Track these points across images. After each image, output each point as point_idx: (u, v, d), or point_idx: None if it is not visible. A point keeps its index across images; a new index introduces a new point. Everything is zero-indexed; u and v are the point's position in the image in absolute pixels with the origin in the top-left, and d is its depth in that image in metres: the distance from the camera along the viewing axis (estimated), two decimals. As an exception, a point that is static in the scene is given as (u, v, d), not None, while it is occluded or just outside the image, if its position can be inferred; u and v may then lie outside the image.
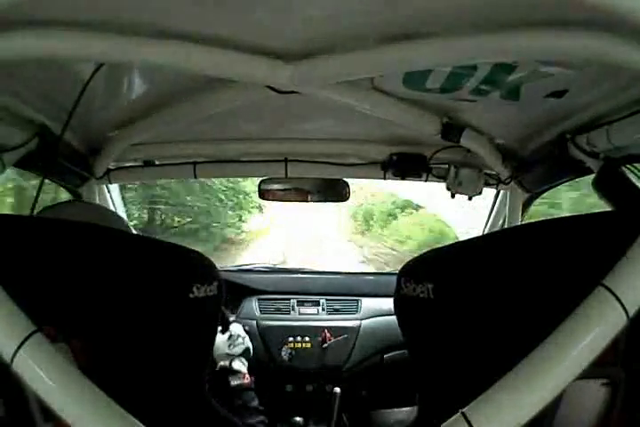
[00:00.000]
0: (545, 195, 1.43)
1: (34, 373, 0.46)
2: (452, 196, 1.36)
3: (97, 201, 1.38)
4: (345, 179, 1.54)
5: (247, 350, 1.23)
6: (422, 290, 0.61)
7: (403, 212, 7.82)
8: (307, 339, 1.51)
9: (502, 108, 1.03)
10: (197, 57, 0.69)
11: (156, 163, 1.45)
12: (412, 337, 0.70)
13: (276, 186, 1.56)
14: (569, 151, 0.96)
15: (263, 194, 1.58)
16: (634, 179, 0.86)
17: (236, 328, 1.26)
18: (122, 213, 1.64)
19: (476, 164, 1.31)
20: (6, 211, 2.72)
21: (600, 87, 0.83)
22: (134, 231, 1.76)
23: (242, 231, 7.55)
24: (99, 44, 0.64)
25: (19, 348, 0.46)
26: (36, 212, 0.83)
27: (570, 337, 0.47)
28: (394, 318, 0.72)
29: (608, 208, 0.86)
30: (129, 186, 4.55)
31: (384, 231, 7.92)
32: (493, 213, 1.55)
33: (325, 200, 1.61)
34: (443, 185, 1.37)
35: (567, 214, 0.63)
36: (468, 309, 0.59)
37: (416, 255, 0.70)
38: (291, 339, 1.51)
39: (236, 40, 0.69)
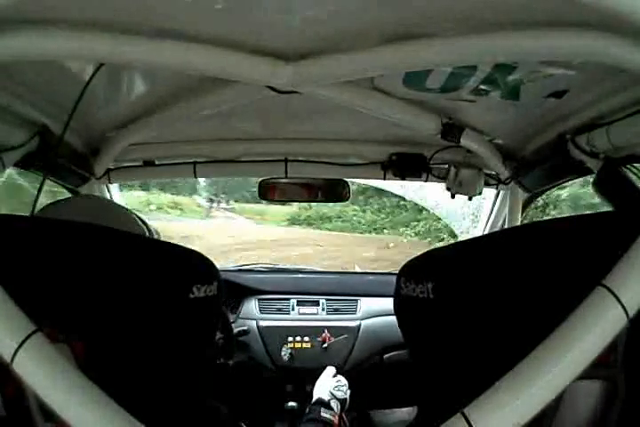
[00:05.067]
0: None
1: (34, 373, 0.46)
2: (453, 196, 1.36)
3: None
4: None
5: (345, 400, 1.23)
6: (422, 290, 0.61)
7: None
8: (306, 339, 1.51)
9: (502, 108, 1.03)
10: (197, 57, 0.69)
11: (156, 163, 1.45)
12: (411, 337, 0.70)
13: (276, 186, 1.56)
14: (569, 151, 0.96)
15: (263, 194, 1.58)
16: (634, 179, 0.86)
17: (342, 379, 1.27)
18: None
19: (476, 164, 1.31)
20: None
21: (600, 87, 0.83)
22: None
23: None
24: (99, 44, 0.64)
25: (19, 348, 0.46)
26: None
27: (570, 337, 0.47)
28: (394, 318, 0.71)
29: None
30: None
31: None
32: (493, 213, 1.55)
33: (326, 200, 1.62)
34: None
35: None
36: (468, 309, 0.59)
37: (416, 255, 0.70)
38: (290, 339, 1.51)
39: (236, 40, 0.69)
